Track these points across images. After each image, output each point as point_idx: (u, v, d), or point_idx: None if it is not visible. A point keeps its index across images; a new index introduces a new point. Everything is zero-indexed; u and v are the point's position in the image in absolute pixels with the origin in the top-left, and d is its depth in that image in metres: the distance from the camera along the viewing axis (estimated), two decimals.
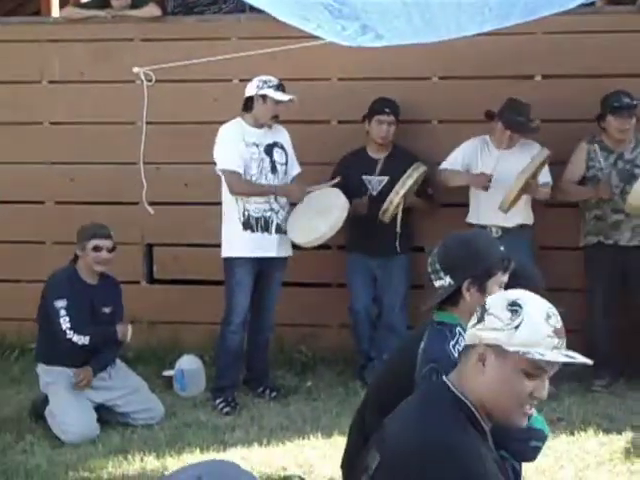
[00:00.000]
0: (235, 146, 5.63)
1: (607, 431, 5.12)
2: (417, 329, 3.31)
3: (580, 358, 2.21)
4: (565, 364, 2.21)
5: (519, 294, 2.25)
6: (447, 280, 3.06)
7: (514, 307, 2.19)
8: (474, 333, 2.24)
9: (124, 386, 5.39)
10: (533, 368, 2.17)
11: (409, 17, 3.60)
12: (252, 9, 6.08)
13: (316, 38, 4.79)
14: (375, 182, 6.06)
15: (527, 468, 4.47)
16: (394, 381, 3.10)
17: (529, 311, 2.19)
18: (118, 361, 5.50)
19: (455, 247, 3.15)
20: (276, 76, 5.73)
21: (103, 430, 5.19)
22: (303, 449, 4.96)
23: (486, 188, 5.79)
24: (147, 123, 6.37)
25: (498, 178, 5.78)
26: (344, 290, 6.26)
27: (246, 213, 5.65)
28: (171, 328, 6.51)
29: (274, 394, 5.82)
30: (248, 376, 5.94)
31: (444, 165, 6.01)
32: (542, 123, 6.08)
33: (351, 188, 5.96)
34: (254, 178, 5.67)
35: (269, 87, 5.64)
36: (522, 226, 5.90)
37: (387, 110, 5.99)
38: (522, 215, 5.88)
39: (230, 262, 5.68)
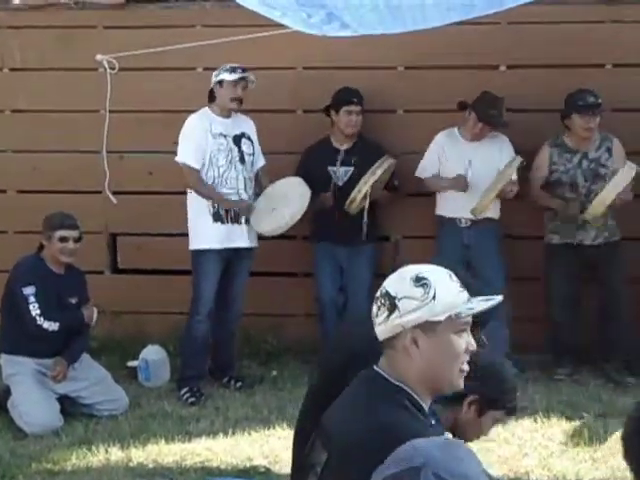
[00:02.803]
0: (199, 140, 5.63)
1: (570, 419, 5.16)
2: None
3: (498, 298, 2.29)
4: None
5: (414, 269, 2.25)
6: None
7: (422, 281, 2.21)
8: (392, 324, 2.22)
9: (87, 377, 5.36)
10: (462, 325, 2.22)
11: (375, 5, 3.58)
12: None
13: (282, 27, 4.77)
14: (341, 172, 6.05)
15: (491, 457, 4.52)
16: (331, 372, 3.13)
17: (435, 278, 2.22)
18: None
19: None
20: (241, 64, 5.70)
21: (67, 421, 5.15)
22: (269, 439, 4.95)
23: (465, 190, 5.82)
24: (110, 111, 6.31)
25: (467, 169, 5.82)
26: (310, 280, 6.25)
27: (216, 205, 5.65)
28: (135, 318, 6.46)
29: (239, 384, 5.81)
30: (213, 366, 5.93)
31: (421, 173, 6.01)
32: (507, 113, 6.10)
33: (316, 179, 5.96)
34: (222, 169, 5.65)
35: (224, 71, 5.65)
36: (489, 219, 5.92)
37: (355, 100, 5.98)
38: (490, 209, 5.89)
39: (199, 254, 5.67)
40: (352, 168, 6.01)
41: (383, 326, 2.24)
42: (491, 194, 5.67)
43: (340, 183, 6.02)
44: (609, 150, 5.87)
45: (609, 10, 6.17)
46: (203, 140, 5.63)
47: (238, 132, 5.75)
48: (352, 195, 5.78)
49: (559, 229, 5.87)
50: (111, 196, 6.33)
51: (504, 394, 3.00)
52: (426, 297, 2.19)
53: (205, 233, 5.64)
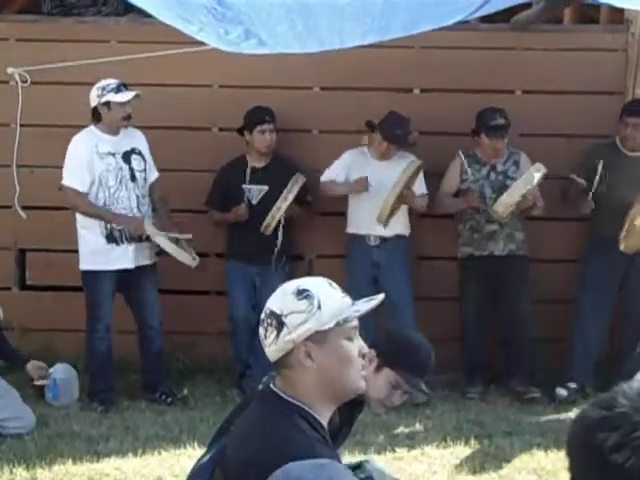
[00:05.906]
0: (84, 161, 5.56)
1: (478, 437, 5.24)
2: None
3: (380, 296, 2.31)
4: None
5: (293, 284, 2.29)
6: None
7: (304, 294, 2.23)
8: (283, 341, 2.21)
9: None
10: (351, 329, 2.24)
11: (292, 24, 3.61)
12: (132, 11, 6.01)
13: (198, 44, 4.76)
14: (255, 191, 6.06)
15: (401, 475, 4.55)
16: None
17: (317, 288, 2.24)
18: None
19: None
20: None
21: None
22: (179, 459, 4.90)
23: (367, 189, 5.87)
24: (21, 125, 6.19)
25: (376, 188, 5.88)
26: (222, 298, 6.23)
27: (109, 226, 5.60)
28: (44, 336, 6.33)
29: (169, 399, 5.79)
30: (144, 382, 5.91)
31: (324, 178, 6.06)
32: (420, 135, 6.20)
33: (230, 197, 5.98)
34: (113, 189, 5.61)
35: (109, 92, 5.58)
36: (399, 237, 6.00)
37: (268, 119, 6.00)
38: (400, 226, 5.98)
39: (92, 275, 5.64)
40: (266, 187, 6.02)
41: (274, 346, 2.23)
42: (392, 195, 5.73)
43: (254, 201, 6.03)
44: (516, 163, 6.04)
45: (520, 37, 6.34)
46: (89, 162, 5.57)
47: (128, 148, 5.70)
48: (266, 221, 5.80)
49: (471, 241, 5.98)
50: (20, 211, 6.20)
51: (402, 353, 3.10)
52: (311, 308, 2.20)
53: (99, 254, 5.61)
